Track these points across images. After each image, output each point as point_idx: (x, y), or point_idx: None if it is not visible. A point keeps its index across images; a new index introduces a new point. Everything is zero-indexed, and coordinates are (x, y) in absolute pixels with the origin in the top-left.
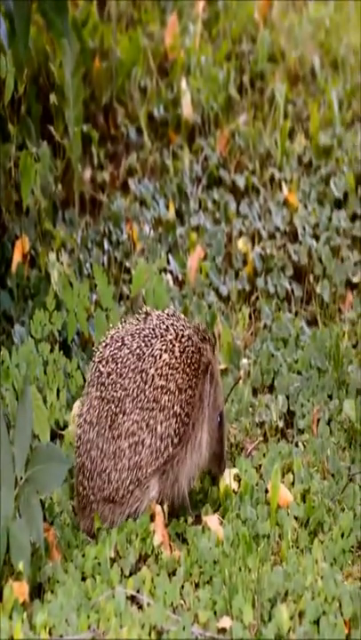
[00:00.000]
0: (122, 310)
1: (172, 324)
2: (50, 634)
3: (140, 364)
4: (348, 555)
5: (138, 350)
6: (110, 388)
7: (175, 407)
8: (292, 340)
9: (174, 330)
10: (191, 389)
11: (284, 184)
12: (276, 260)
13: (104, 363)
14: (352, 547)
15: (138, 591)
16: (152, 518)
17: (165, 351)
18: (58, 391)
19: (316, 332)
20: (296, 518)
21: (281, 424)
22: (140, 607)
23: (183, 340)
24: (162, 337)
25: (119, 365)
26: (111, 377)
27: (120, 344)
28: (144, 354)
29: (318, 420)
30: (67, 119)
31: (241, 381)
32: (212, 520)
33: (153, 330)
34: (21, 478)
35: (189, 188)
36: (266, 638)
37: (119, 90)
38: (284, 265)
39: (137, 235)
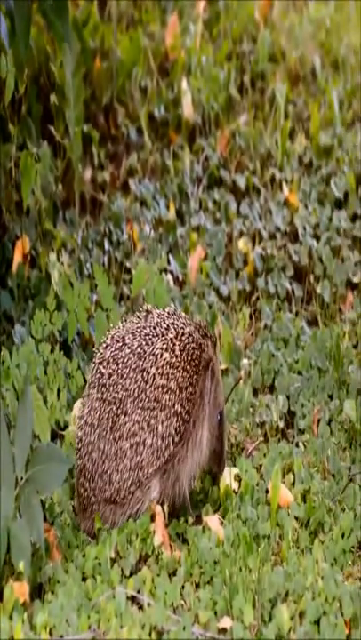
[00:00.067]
0: (122, 310)
1: (172, 323)
2: (50, 634)
3: (141, 363)
4: (348, 555)
5: (139, 349)
6: (111, 389)
7: (176, 406)
8: (292, 341)
9: (175, 328)
10: (192, 386)
11: (284, 184)
12: (276, 260)
13: (105, 364)
14: (352, 547)
15: (138, 591)
16: (152, 518)
17: (166, 350)
18: (58, 391)
19: (316, 332)
20: (296, 518)
21: (281, 424)
22: (141, 607)
23: (184, 338)
24: (163, 335)
25: (120, 366)
26: (112, 378)
27: (121, 344)
28: (145, 352)
29: (319, 421)
30: (67, 119)
31: (241, 381)
32: (212, 520)
33: (154, 328)
34: (22, 478)
35: (190, 188)
36: (266, 638)
37: (120, 90)
38: (285, 265)
39: (137, 235)
